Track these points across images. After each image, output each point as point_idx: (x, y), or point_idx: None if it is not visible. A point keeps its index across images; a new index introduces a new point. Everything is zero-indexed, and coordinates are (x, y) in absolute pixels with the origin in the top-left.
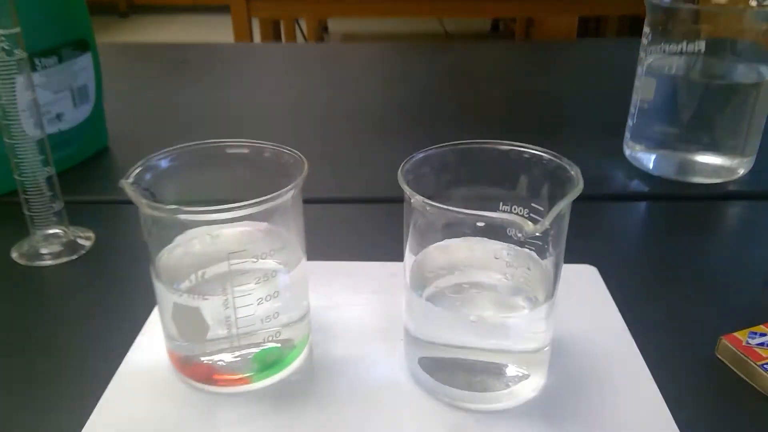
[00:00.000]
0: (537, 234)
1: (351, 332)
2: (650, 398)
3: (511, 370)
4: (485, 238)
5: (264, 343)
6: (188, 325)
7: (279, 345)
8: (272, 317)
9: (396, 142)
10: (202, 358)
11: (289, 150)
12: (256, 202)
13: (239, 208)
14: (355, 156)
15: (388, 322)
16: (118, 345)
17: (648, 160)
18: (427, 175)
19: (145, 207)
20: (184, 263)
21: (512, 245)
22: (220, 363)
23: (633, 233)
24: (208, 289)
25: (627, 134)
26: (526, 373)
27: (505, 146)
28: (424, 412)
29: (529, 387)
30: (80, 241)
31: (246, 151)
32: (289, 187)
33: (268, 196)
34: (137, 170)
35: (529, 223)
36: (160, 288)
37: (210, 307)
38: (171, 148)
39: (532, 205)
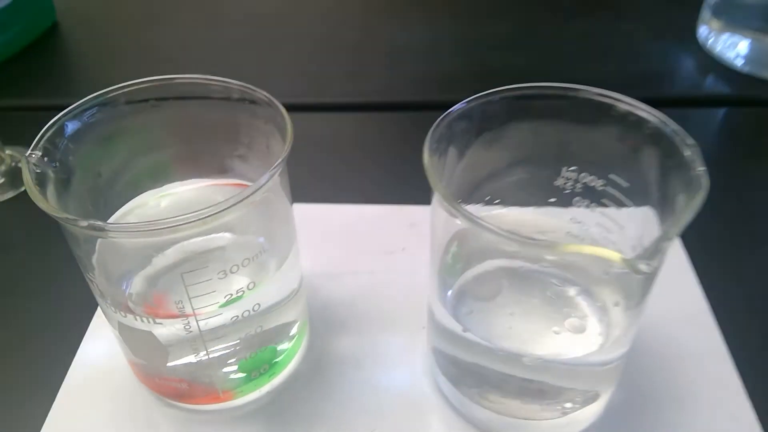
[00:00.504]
0: (637, 271)
1: (357, 317)
2: (739, 416)
3: (573, 395)
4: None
5: (246, 356)
6: (141, 348)
7: (266, 353)
8: (254, 331)
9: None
10: (168, 377)
11: (266, 96)
12: (209, 215)
13: (187, 223)
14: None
15: (407, 298)
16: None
17: (735, 47)
18: (463, 134)
19: (50, 209)
20: (123, 271)
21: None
22: (191, 382)
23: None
24: (161, 309)
25: (705, 8)
26: (593, 392)
27: (582, 93)
28: None
29: (592, 411)
30: None
31: (204, 89)
32: (263, 180)
33: (227, 205)
34: (48, 134)
35: (620, 256)
36: (98, 299)
37: (167, 333)
38: (96, 95)
39: (611, 177)
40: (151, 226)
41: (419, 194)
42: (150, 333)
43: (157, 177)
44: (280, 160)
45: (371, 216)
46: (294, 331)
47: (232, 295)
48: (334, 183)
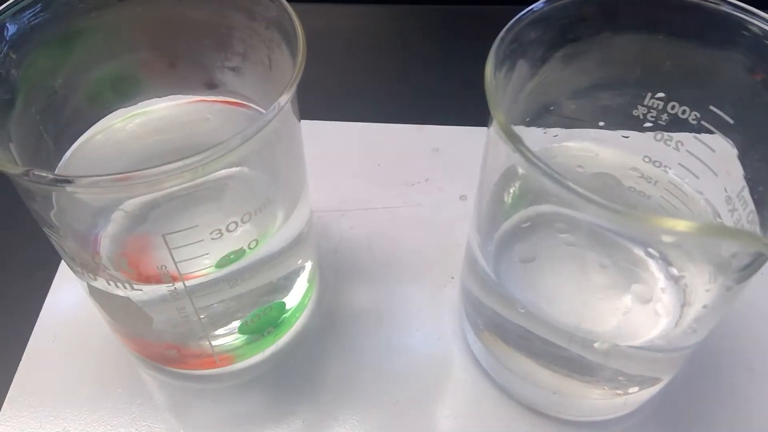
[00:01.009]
0: None
1: (374, 263)
2: None
3: (632, 379)
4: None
5: (246, 317)
6: (117, 313)
7: (271, 313)
8: (254, 286)
9: None
10: (153, 342)
11: None
12: (197, 163)
13: (168, 173)
14: None
15: (433, 241)
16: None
17: None
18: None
19: None
20: (89, 229)
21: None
22: (181, 348)
23: None
24: (140, 273)
25: None
26: (655, 377)
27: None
28: (483, 409)
29: (649, 392)
30: None
31: None
32: (268, 115)
33: (221, 151)
34: None
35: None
36: (62, 256)
37: (148, 298)
38: None
39: (711, 108)
40: (117, 180)
41: (445, 111)
42: (127, 299)
43: (127, 92)
44: (290, 87)
45: (387, 138)
46: (301, 282)
47: (229, 257)
48: (344, 95)
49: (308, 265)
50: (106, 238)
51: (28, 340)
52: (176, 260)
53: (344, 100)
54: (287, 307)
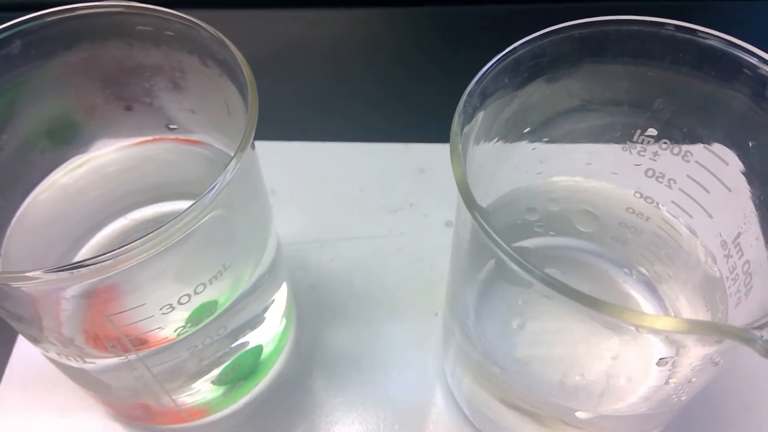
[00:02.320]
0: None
1: (354, 300)
2: None
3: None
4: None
5: (215, 375)
6: (76, 378)
7: (240, 361)
8: (222, 346)
9: None
10: (118, 403)
11: (215, 35)
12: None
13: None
14: None
15: (417, 273)
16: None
17: None
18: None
19: None
20: (30, 315)
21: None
22: (148, 408)
23: None
24: (89, 350)
25: None
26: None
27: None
28: None
29: None
30: None
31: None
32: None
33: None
34: None
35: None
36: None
37: (103, 367)
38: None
39: (707, 147)
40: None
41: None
42: (81, 369)
43: (81, 139)
44: (240, 152)
45: (370, 158)
46: (274, 318)
47: (183, 327)
48: (321, 111)
49: (279, 299)
50: (52, 320)
51: None
52: (126, 336)
53: (321, 117)
54: (264, 350)
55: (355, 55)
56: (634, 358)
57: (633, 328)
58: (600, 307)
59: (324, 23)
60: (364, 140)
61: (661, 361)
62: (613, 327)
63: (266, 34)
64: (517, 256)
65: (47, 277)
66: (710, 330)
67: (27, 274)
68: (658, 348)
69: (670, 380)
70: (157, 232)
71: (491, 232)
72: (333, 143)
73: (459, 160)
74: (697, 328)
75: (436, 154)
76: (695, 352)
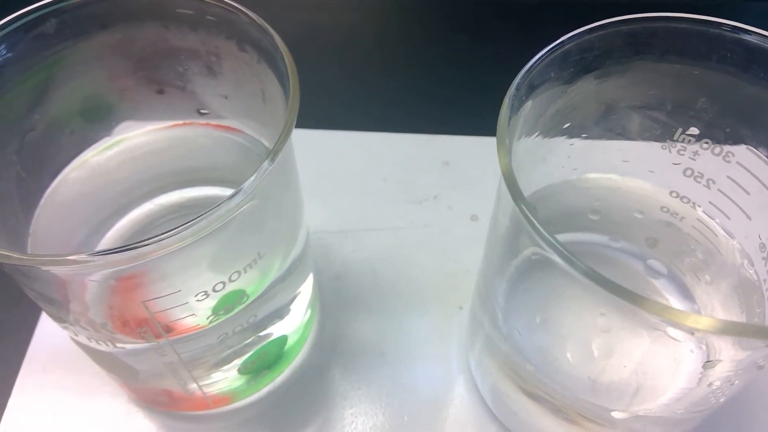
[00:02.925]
0: None
1: (378, 291)
2: None
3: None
4: None
5: (240, 361)
6: (103, 363)
7: (265, 350)
8: (250, 334)
9: None
10: (143, 388)
11: (257, 22)
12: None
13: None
14: None
15: (441, 265)
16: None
17: None
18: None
19: None
20: (62, 296)
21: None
22: (172, 393)
23: None
24: (121, 334)
25: None
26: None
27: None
28: None
29: None
30: None
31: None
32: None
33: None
34: None
35: None
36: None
37: (132, 352)
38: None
39: (749, 148)
40: (83, 260)
41: (457, 119)
42: (110, 354)
43: (111, 121)
44: (283, 134)
45: (393, 149)
46: (299, 308)
47: (215, 315)
48: (346, 100)
49: (305, 289)
50: (83, 304)
51: (19, 372)
52: (159, 322)
53: (346, 107)
54: (288, 341)
55: (382, 44)
56: (669, 358)
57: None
58: (642, 303)
59: (352, 11)
60: (388, 131)
61: (707, 364)
62: (651, 326)
63: (292, 22)
64: (562, 248)
65: (85, 261)
66: (755, 333)
67: (68, 257)
68: (694, 347)
69: (714, 383)
70: (197, 219)
71: (536, 224)
72: (357, 132)
73: (506, 150)
74: (740, 330)
75: (462, 146)
76: (740, 355)
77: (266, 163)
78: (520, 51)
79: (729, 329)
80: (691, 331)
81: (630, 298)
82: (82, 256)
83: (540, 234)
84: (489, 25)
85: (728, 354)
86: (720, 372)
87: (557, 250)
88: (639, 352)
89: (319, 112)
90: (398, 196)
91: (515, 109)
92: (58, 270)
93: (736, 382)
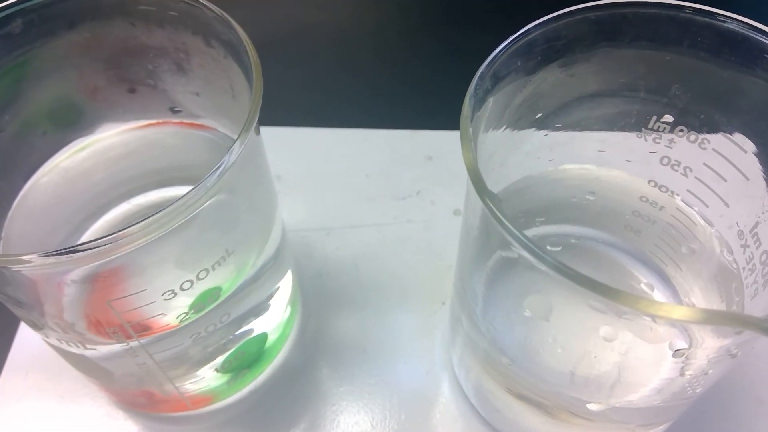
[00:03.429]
0: None
1: (361, 287)
2: None
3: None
4: None
5: (219, 356)
6: (77, 364)
7: (243, 350)
8: (227, 333)
9: None
10: (120, 391)
11: (220, 15)
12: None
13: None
14: None
15: (424, 261)
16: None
17: None
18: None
19: None
20: (31, 299)
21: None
22: (151, 395)
23: None
24: (90, 335)
25: None
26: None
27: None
28: None
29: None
30: None
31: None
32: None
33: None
34: None
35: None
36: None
37: (105, 353)
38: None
39: (724, 135)
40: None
41: (439, 115)
42: (83, 356)
43: (83, 121)
44: (245, 127)
45: (376, 145)
46: (279, 305)
47: (186, 314)
48: (326, 96)
49: (284, 286)
50: (51, 305)
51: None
52: (127, 323)
53: (328, 103)
54: (269, 338)
55: (362, 39)
56: (647, 349)
57: (648, 318)
58: (614, 295)
59: (330, 6)
60: (370, 126)
61: (677, 353)
62: (626, 317)
63: (272, 18)
64: (529, 242)
65: (44, 261)
66: (730, 320)
67: (23, 257)
68: (674, 339)
69: (686, 372)
70: (157, 215)
71: (502, 219)
72: (339, 129)
73: (469, 144)
74: (717, 318)
75: (444, 141)
76: (712, 344)
77: (227, 156)
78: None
79: (700, 318)
80: (668, 323)
81: (601, 290)
82: (34, 256)
83: (507, 230)
84: (471, 18)
85: (699, 343)
86: (692, 361)
87: (525, 245)
88: (618, 345)
89: (302, 109)
90: (381, 192)
91: (479, 100)
92: (19, 269)
93: (710, 371)
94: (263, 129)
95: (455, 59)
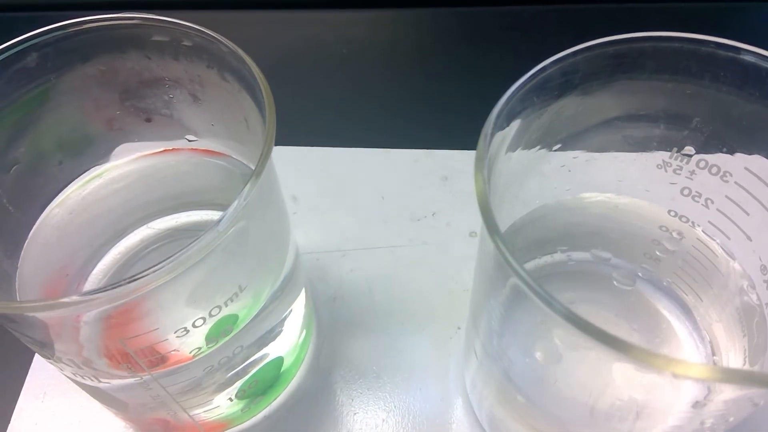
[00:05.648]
0: None
1: (376, 310)
2: None
3: None
4: None
5: (232, 384)
6: (93, 395)
7: (257, 378)
8: (239, 362)
9: None
10: (136, 419)
11: (232, 50)
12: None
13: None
14: None
15: (439, 284)
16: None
17: None
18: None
19: None
20: (45, 339)
21: None
22: (166, 424)
23: None
24: (103, 369)
25: None
26: None
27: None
28: None
29: None
30: None
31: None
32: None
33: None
34: None
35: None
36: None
37: (119, 386)
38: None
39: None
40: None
41: (455, 134)
42: (98, 388)
43: (98, 151)
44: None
45: (391, 165)
46: (293, 328)
47: (199, 348)
48: (341, 115)
49: (297, 308)
50: (63, 343)
51: (18, 399)
52: (140, 359)
53: (343, 123)
54: (285, 362)
55: (376, 58)
56: (666, 397)
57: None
58: (627, 350)
59: (345, 25)
60: (385, 146)
61: (696, 404)
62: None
63: (286, 37)
64: (540, 289)
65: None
66: (746, 380)
67: (64, 300)
68: (693, 387)
69: (706, 421)
70: (166, 262)
71: (513, 263)
72: (354, 149)
73: (483, 183)
74: (733, 378)
75: (460, 160)
76: (732, 395)
77: (238, 200)
78: (520, 62)
79: (716, 377)
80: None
81: (614, 344)
82: (39, 303)
83: (517, 273)
84: (488, 36)
85: (722, 395)
86: (713, 411)
87: (535, 291)
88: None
89: (318, 128)
90: (396, 213)
91: (494, 136)
92: (15, 313)
93: (731, 419)
94: (278, 149)
95: (470, 78)
